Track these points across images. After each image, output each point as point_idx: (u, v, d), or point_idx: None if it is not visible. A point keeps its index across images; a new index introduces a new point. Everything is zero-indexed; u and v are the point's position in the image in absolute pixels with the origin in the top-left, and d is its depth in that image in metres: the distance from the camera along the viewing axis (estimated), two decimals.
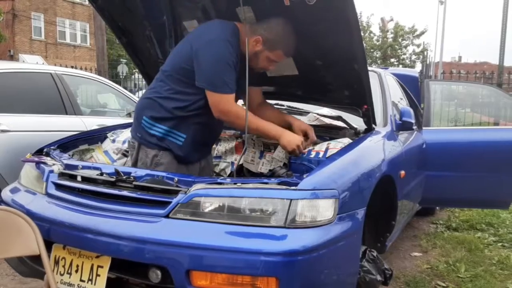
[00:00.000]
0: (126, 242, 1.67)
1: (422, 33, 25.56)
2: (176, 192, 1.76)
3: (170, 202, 1.72)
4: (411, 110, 2.92)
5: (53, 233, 1.86)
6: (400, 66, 26.13)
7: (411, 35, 25.72)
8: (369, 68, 3.41)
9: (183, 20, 2.55)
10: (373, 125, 2.50)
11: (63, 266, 1.87)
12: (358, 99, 2.39)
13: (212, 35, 2.03)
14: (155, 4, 2.56)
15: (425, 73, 14.99)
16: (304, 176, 1.76)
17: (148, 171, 1.92)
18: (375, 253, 2.15)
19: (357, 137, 2.42)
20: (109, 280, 1.76)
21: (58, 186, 2.05)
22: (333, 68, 2.38)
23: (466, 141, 3.58)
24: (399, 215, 2.59)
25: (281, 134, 2.19)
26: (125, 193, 1.84)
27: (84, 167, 2.08)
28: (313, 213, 1.65)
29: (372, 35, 26.42)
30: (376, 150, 2.34)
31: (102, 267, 1.76)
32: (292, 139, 2.18)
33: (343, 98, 2.50)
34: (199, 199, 1.70)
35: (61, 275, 1.86)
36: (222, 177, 1.98)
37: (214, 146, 2.87)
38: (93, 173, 2.01)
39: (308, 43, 2.29)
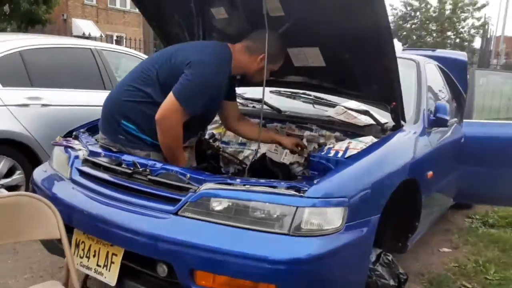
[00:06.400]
0: (135, 236, 1.71)
1: (484, 6, 23.84)
2: (186, 190, 1.78)
3: (180, 200, 1.75)
4: (447, 106, 2.74)
5: (73, 219, 1.94)
6: (458, 40, 24.72)
7: (471, 8, 24.06)
8: (407, 56, 3.23)
9: (210, 7, 2.51)
10: (402, 122, 2.39)
11: (83, 250, 1.96)
12: (386, 95, 2.28)
13: (210, 58, 2.09)
14: None
15: (484, 48, 14.04)
16: (315, 182, 1.72)
17: (163, 165, 1.94)
18: (390, 257, 2.11)
19: (383, 134, 2.33)
20: (123, 267, 1.83)
21: (81, 173, 2.12)
22: (360, 62, 2.26)
23: (508, 136, 3.37)
24: (423, 216, 2.50)
25: None
26: (138, 186, 1.88)
27: (105, 155, 2.13)
28: (319, 221, 1.62)
29: (428, 6, 24.94)
30: (400, 153, 2.24)
31: (116, 255, 1.84)
32: None
33: (370, 93, 2.39)
34: (207, 199, 1.71)
35: (81, 258, 1.96)
36: (232, 177, 1.98)
37: None
38: (112, 162, 2.06)
39: (334, 34, 2.19)
